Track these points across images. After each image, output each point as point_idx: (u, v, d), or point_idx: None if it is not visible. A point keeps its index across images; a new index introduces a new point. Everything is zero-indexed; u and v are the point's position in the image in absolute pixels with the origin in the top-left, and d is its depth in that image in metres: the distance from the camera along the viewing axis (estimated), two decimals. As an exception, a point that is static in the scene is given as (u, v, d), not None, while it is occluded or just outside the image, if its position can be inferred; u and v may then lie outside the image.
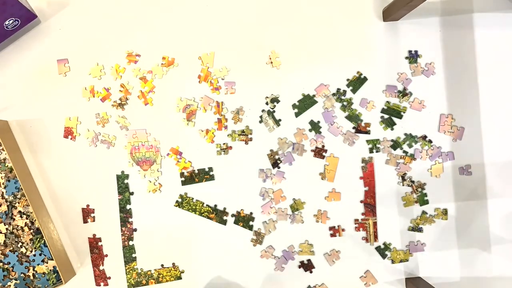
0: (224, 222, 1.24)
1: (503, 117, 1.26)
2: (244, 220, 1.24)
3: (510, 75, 1.27)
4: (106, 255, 1.23)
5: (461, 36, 1.27)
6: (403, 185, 1.25)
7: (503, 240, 1.26)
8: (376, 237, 1.24)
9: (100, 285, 1.23)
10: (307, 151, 1.25)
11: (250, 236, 1.24)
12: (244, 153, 1.25)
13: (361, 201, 1.25)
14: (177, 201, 1.24)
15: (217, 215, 1.24)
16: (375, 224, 1.25)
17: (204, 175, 1.24)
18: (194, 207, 1.24)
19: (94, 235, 1.23)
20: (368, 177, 1.25)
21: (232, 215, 1.24)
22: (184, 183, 1.24)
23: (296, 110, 1.25)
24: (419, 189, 1.25)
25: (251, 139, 1.25)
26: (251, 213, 1.24)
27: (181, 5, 1.25)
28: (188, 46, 1.25)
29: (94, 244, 1.23)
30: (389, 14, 1.23)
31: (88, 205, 1.23)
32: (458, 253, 1.25)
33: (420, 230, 1.25)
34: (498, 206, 1.26)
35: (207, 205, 1.24)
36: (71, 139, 1.24)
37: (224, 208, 1.24)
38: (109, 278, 1.23)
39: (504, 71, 1.27)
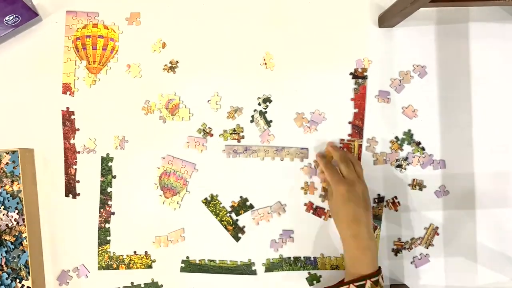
0: (237, 239, 1.24)
1: (495, 128, 1.26)
2: (245, 207, 1.24)
3: (503, 86, 1.27)
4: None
5: (456, 45, 1.27)
6: (401, 172, 1.24)
7: (490, 250, 1.26)
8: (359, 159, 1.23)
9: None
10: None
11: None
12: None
13: (349, 122, 1.25)
14: (206, 199, 1.24)
15: (234, 229, 1.24)
16: (360, 146, 1.24)
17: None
18: (218, 211, 1.24)
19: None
20: (359, 100, 1.25)
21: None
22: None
23: None
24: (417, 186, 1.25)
25: (243, 137, 1.26)
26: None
27: (176, 5, 1.27)
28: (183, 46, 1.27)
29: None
30: (385, 21, 1.24)
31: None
32: (444, 262, 1.25)
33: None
34: (486, 216, 1.25)
35: (229, 215, 1.24)
36: (69, 94, 1.24)
37: (243, 226, 1.24)
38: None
39: (498, 83, 1.27)
